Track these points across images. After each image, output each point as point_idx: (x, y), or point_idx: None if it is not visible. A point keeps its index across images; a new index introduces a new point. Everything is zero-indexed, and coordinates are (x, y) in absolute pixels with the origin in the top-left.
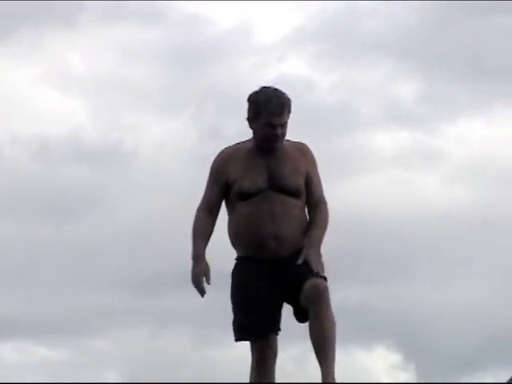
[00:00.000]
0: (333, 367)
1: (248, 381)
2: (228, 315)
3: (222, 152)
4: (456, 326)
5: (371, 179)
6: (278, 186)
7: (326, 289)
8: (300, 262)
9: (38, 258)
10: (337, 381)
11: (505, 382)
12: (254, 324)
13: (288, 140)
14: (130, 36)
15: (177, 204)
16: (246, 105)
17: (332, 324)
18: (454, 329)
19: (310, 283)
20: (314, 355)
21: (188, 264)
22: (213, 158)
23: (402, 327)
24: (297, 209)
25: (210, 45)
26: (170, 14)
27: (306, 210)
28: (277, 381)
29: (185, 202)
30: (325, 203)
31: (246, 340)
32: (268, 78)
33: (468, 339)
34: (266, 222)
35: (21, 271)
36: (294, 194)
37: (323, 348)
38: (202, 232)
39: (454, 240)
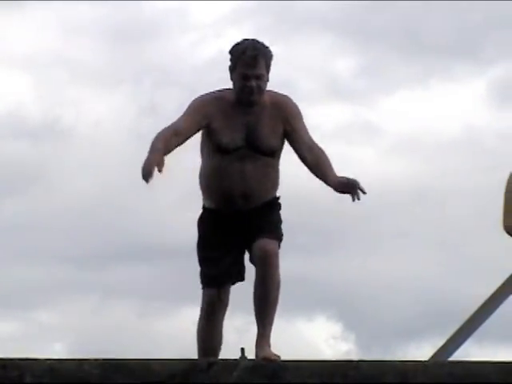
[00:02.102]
0: (270, 330)
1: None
2: (169, 288)
3: (207, 95)
4: (393, 296)
5: None
6: (253, 146)
7: (275, 253)
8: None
9: None
10: (271, 342)
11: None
12: (213, 275)
13: (271, 92)
14: (71, 13)
15: (116, 179)
16: (183, 81)
17: (276, 289)
18: (391, 299)
19: (261, 243)
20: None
21: (130, 239)
22: (150, 134)
23: (342, 298)
24: (270, 167)
25: (149, 22)
26: None
27: (297, 155)
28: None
29: (124, 178)
30: (318, 146)
31: (209, 287)
32: (206, 54)
33: (405, 309)
34: (236, 179)
35: None
36: (268, 154)
37: (264, 310)
38: (163, 139)
39: (391, 212)
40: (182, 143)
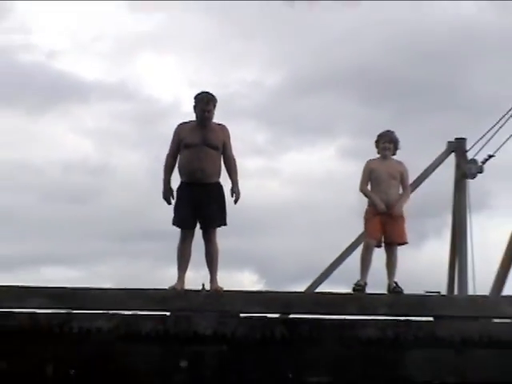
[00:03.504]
0: (216, 274)
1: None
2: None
3: (180, 124)
4: (287, 258)
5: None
6: (206, 143)
7: (214, 235)
8: (237, 196)
9: (68, 224)
10: (218, 280)
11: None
12: (182, 220)
13: (214, 122)
14: (114, 108)
15: (139, 197)
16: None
17: (216, 253)
18: (286, 261)
19: (207, 232)
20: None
21: (155, 225)
22: (158, 173)
23: (258, 260)
24: (215, 157)
25: (158, 113)
26: (136, 95)
27: (222, 159)
28: (191, 286)
29: (143, 197)
30: (233, 158)
31: (177, 227)
32: None
33: (296, 264)
34: (196, 161)
35: (58, 233)
36: (214, 148)
37: (211, 265)
38: (170, 169)
39: (287, 218)
40: (177, 157)
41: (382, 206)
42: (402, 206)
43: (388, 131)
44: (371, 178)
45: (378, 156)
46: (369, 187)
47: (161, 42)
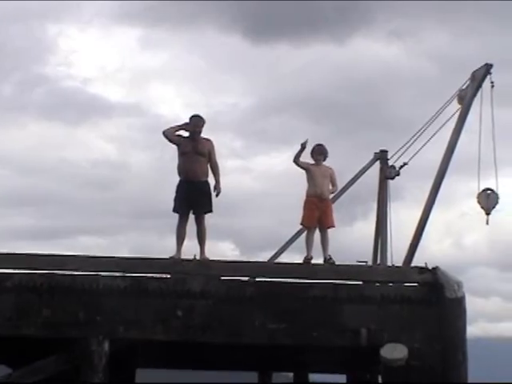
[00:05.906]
0: (204, 248)
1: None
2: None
3: (181, 135)
4: (256, 231)
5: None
6: (196, 151)
7: (203, 219)
8: (218, 191)
9: (95, 205)
10: (206, 254)
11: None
12: (179, 208)
13: (202, 136)
14: (130, 121)
15: (147, 185)
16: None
17: (204, 232)
18: (256, 232)
19: (198, 216)
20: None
21: (160, 206)
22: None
23: (234, 235)
24: (203, 162)
25: (162, 125)
26: (147, 112)
27: (209, 164)
28: (186, 256)
29: (150, 185)
30: (217, 163)
31: (176, 213)
32: None
33: (262, 237)
34: (189, 164)
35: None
36: (202, 155)
37: (201, 241)
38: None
39: (256, 203)
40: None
41: (302, 146)
42: (330, 194)
43: (319, 146)
44: (308, 177)
45: (313, 162)
46: (306, 184)
47: (164, 74)
